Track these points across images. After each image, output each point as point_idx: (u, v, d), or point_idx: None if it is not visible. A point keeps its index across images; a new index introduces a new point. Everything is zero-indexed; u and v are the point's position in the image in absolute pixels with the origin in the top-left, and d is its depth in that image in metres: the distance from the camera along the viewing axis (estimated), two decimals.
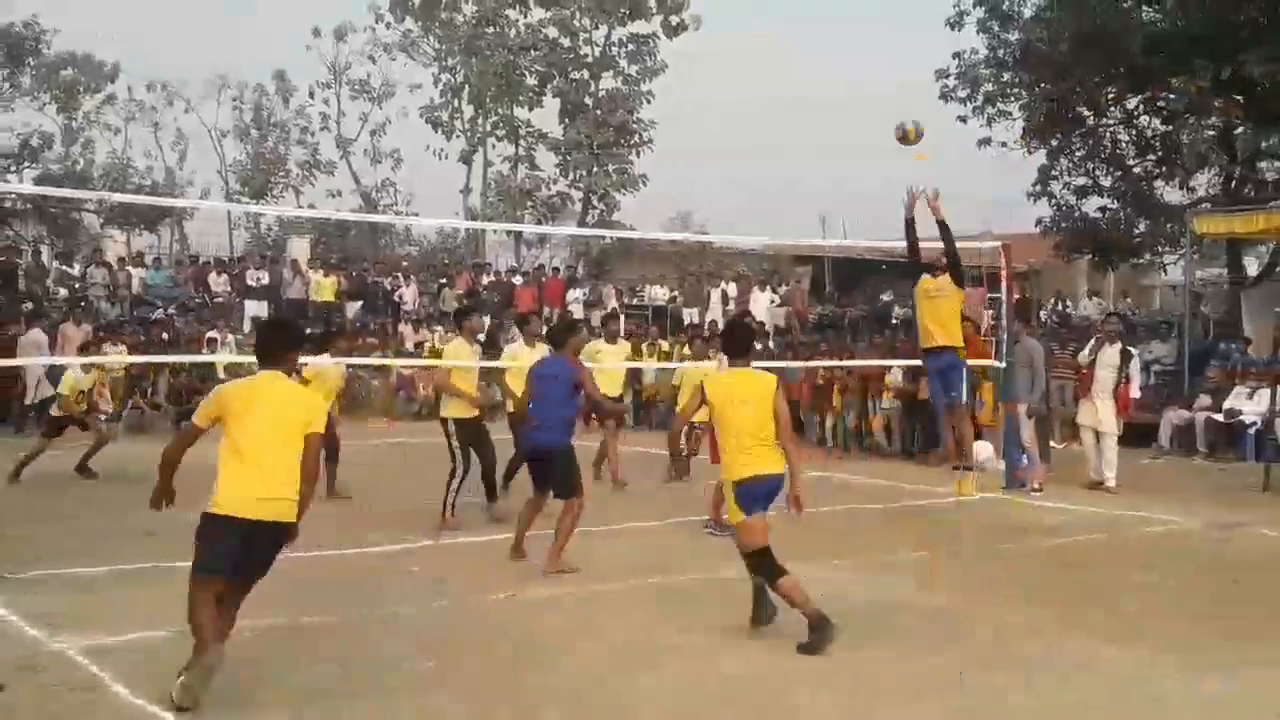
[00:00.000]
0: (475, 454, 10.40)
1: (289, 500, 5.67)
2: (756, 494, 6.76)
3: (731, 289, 27.10)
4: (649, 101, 35.87)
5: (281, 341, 6.15)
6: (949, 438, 11.96)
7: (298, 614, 7.02)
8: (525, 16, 36.12)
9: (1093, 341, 13.86)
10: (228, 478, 5.66)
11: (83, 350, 15.39)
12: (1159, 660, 6.36)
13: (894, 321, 22.90)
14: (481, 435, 10.52)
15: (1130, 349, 13.63)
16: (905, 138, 11.52)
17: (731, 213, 61.27)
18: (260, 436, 5.65)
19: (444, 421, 10.46)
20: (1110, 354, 13.20)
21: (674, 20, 35.20)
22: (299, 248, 28.83)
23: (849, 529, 10.60)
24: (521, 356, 11.11)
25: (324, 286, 25.26)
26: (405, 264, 31.35)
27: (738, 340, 7.34)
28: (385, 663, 6.19)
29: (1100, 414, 13.12)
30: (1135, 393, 13.47)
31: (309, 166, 41.96)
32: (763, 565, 6.77)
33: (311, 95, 41.22)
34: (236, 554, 5.63)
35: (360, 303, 25.78)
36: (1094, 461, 13.26)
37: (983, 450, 15.02)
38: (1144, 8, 20.55)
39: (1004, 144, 22.90)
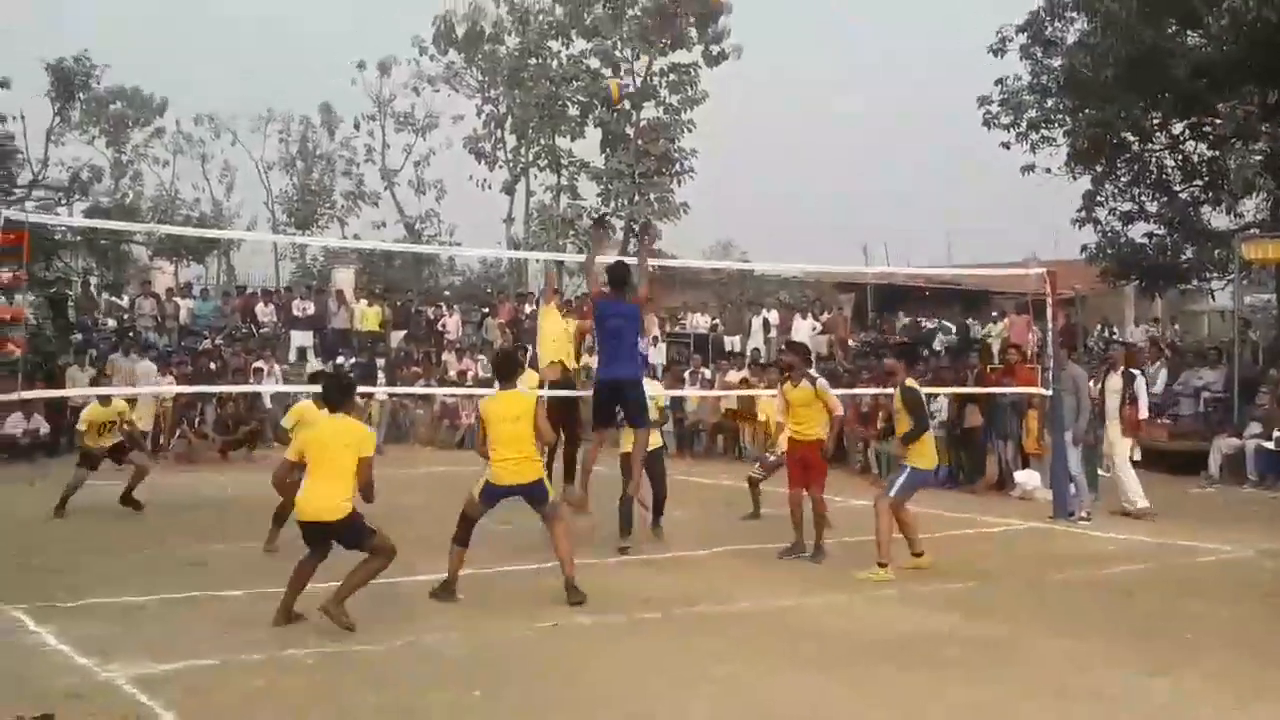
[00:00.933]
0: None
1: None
2: (497, 494, 8.40)
3: (773, 316, 27.05)
4: (690, 130, 35.98)
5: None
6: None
7: (349, 641, 7.05)
8: (567, 48, 36.34)
9: (1101, 371, 13.97)
10: None
11: (94, 384, 15.55)
12: (1208, 690, 6.26)
13: (937, 350, 22.77)
14: None
15: (1133, 371, 13.75)
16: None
17: (773, 240, 61.23)
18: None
19: None
20: (1114, 380, 13.40)
21: (714, 50, 35.30)
22: (344, 278, 29.12)
23: (895, 558, 10.50)
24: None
25: (368, 316, 25.50)
26: (448, 294, 31.55)
27: (504, 367, 8.82)
28: (431, 692, 6.19)
29: (1110, 437, 13.27)
30: (1143, 413, 13.71)
31: (354, 198, 42.40)
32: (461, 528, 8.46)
33: (356, 127, 41.72)
34: None
35: (404, 332, 25.96)
36: (1119, 488, 13.22)
37: (1030, 479, 14.89)
38: (1189, 33, 20.40)
39: (1048, 170, 22.80)
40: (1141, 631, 7.66)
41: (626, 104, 15.87)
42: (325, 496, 7.46)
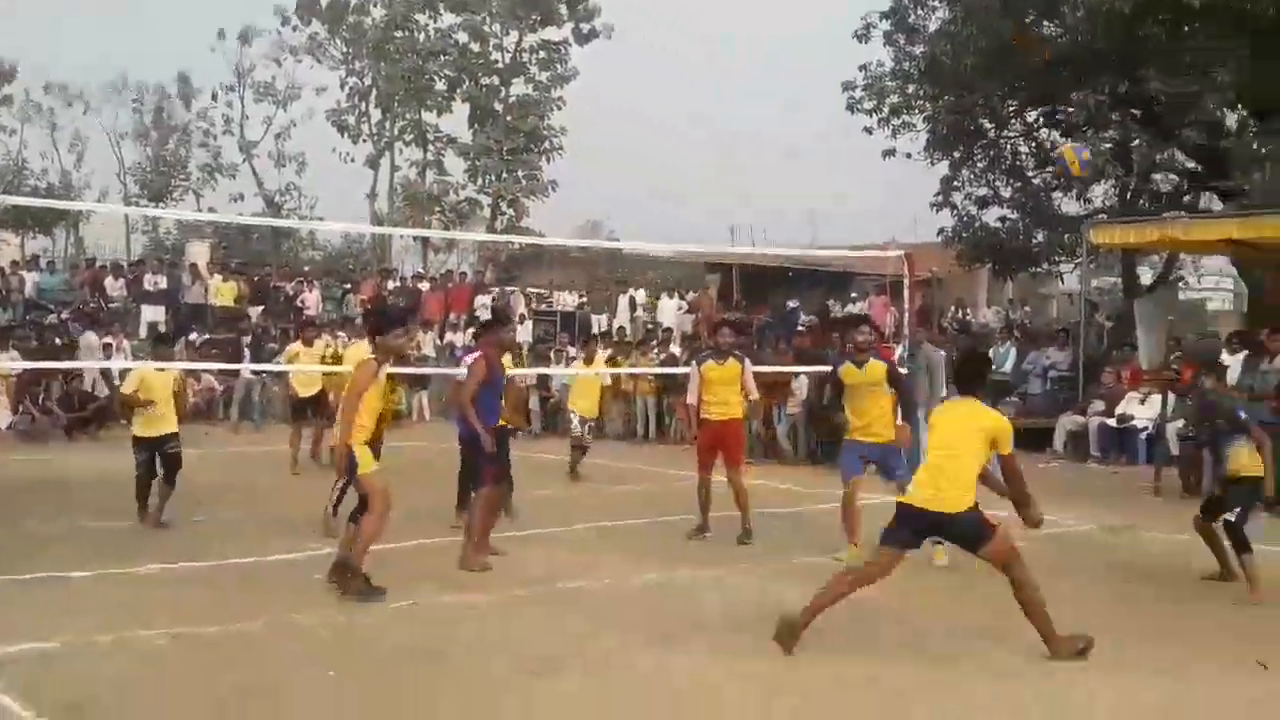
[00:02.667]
0: None
1: None
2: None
3: (640, 295, 27.17)
4: (559, 108, 35.86)
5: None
6: None
7: (196, 624, 6.86)
8: (435, 21, 35.89)
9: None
10: None
11: None
12: (1048, 661, 6.47)
13: (800, 329, 23.13)
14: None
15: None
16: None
17: (641, 220, 61.42)
18: None
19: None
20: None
21: (585, 28, 35.23)
22: (199, 252, 28.33)
23: (759, 534, 10.63)
24: None
25: (224, 291, 24.80)
26: (308, 269, 30.89)
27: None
28: (284, 672, 6.06)
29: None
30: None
31: (210, 170, 41.21)
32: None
33: (214, 98, 40.55)
34: None
35: (261, 308, 25.34)
36: None
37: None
38: (1046, 23, 21.01)
39: (909, 155, 23.28)
40: (998, 606, 7.88)
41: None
42: None
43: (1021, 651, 6.59)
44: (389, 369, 9.98)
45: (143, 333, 22.48)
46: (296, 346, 15.23)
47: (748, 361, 10.67)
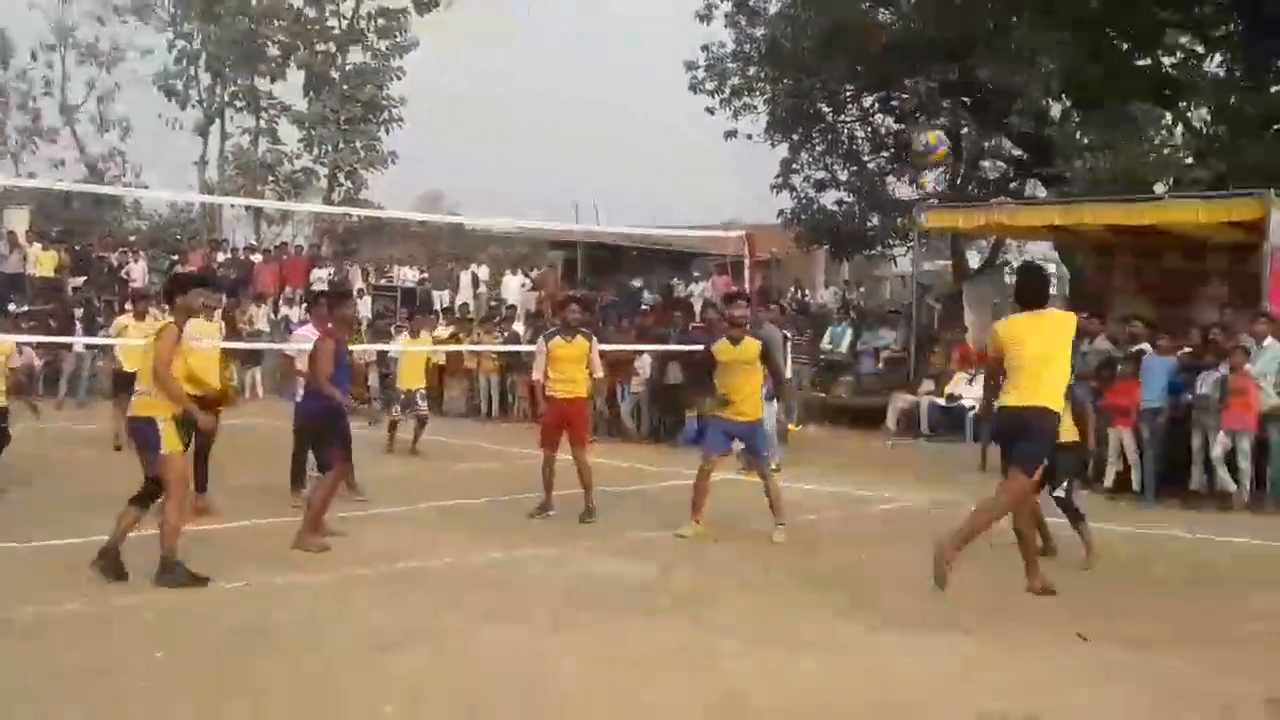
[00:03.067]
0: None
1: None
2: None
3: (483, 271, 26.90)
4: (399, 78, 35.17)
5: None
6: None
7: (13, 606, 6.52)
8: None
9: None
10: None
11: None
12: (884, 632, 6.66)
13: (644, 308, 23.25)
14: None
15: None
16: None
17: (483, 195, 60.83)
18: None
19: None
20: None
21: None
22: (17, 219, 26.87)
23: (598, 511, 10.67)
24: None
25: (43, 261, 23.60)
26: (134, 239, 29.65)
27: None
28: (108, 656, 5.82)
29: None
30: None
31: (29, 134, 39.13)
32: None
33: (34, 58, 38.41)
34: None
35: (84, 279, 24.22)
36: None
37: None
38: (883, 10, 21.51)
39: (749, 136, 23.58)
40: (830, 581, 8.08)
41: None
42: None
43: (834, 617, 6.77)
44: (222, 342, 9.67)
45: None
46: (126, 319, 14.57)
47: (595, 340, 10.66)
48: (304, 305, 24.10)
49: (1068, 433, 8.56)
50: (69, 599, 6.82)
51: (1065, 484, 8.74)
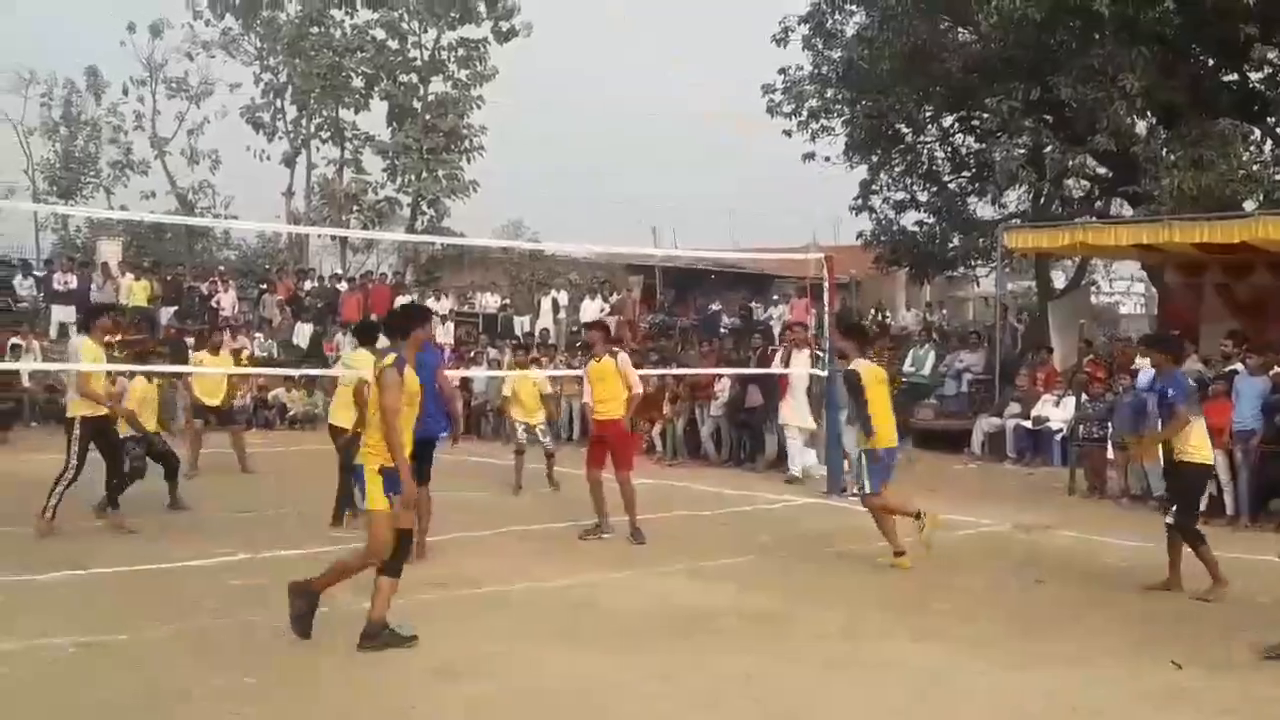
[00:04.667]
0: (104, 456, 10.31)
1: None
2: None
3: (562, 297, 27.08)
4: (479, 107, 35.64)
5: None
6: None
7: (105, 632, 6.69)
8: (351, 17, 35.42)
9: (782, 349, 15.80)
10: None
11: None
12: (964, 658, 6.56)
13: (722, 331, 23.22)
14: (110, 437, 10.40)
15: (819, 353, 14.72)
16: None
17: (563, 221, 61.28)
18: None
19: (70, 421, 10.18)
20: (800, 358, 14.82)
21: (504, 26, 35.05)
22: (110, 250, 27.63)
23: (676, 535, 10.66)
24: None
25: (136, 291, 24.24)
26: (223, 269, 30.35)
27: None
28: (199, 680, 5.93)
29: (794, 411, 14.86)
30: None
31: (121, 166, 40.22)
32: None
33: (125, 92, 39.51)
34: None
35: (175, 308, 24.83)
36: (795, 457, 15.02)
37: (807, 456, 15.36)
38: (961, 29, 21.33)
39: (827, 158, 23.50)
40: (908, 603, 7.98)
41: None
42: None
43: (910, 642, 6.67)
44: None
45: (53, 333, 21.93)
46: (202, 355, 14.92)
47: (622, 355, 10.63)
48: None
49: (1185, 453, 8.37)
50: (160, 623, 6.96)
51: (1174, 510, 8.49)
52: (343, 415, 10.43)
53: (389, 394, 6.51)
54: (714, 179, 69.29)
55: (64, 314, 22.85)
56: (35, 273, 24.85)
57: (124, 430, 10.79)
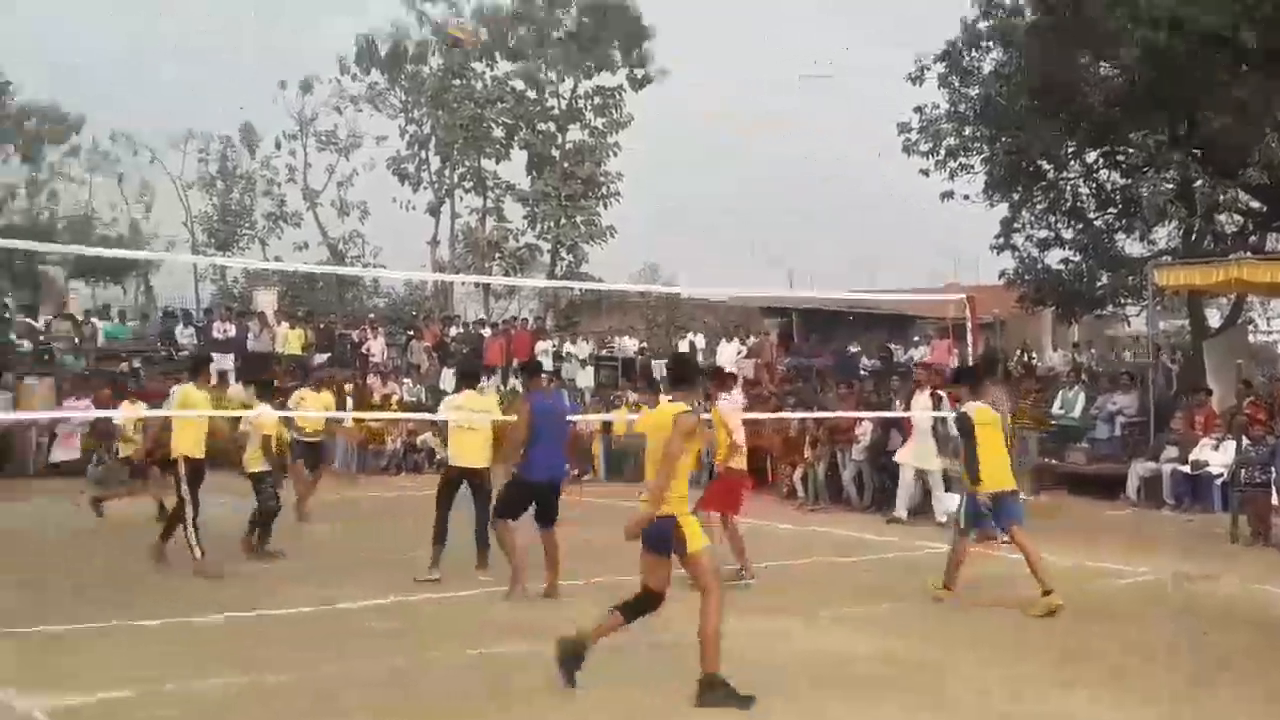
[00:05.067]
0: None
1: None
2: None
3: (699, 340, 27.19)
4: (616, 153, 36.17)
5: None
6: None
7: (262, 672, 6.92)
8: (492, 69, 36.42)
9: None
10: None
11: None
12: (1137, 713, 6.36)
13: (862, 373, 23.03)
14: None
15: (939, 393, 14.64)
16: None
17: (699, 265, 61.57)
18: None
19: (174, 463, 10.67)
20: (922, 399, 14.79)
21: (639, 73, 35.58)
22: (266, 300, 28.73)
23: (818, 581, 10.58)
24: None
25: (291, 339, 25.14)
26: (373, 316, 31.30)
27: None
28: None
29: (916, 454, 14.76)
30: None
31: (275, 218, 41.85)
32: None
33: (278, 146, 41.21)
34: None
35: (328, 355, 25.66)
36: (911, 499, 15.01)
37: (952, 502, 15.07)
38: (1102, 63, 20.92)
39: (966, 197, 23.19)
40: (1066, 654, 7.78)
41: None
42: None
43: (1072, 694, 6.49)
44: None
45: (213, 381, 22.81)
46: (304, 392, 15.33)
47: (721, 405, 10.47)
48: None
49: None
50: (313, 665, 7.19)
51: None
52: (471, 455, 10.50)
53: (695, 441, 6.70)
54: (845, 224, 68.89)
55: (223, 362, 23.81)
56: (195, 323, 25.93)
57: (258, 466, 11.41)
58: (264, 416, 11.76)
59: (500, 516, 9.44)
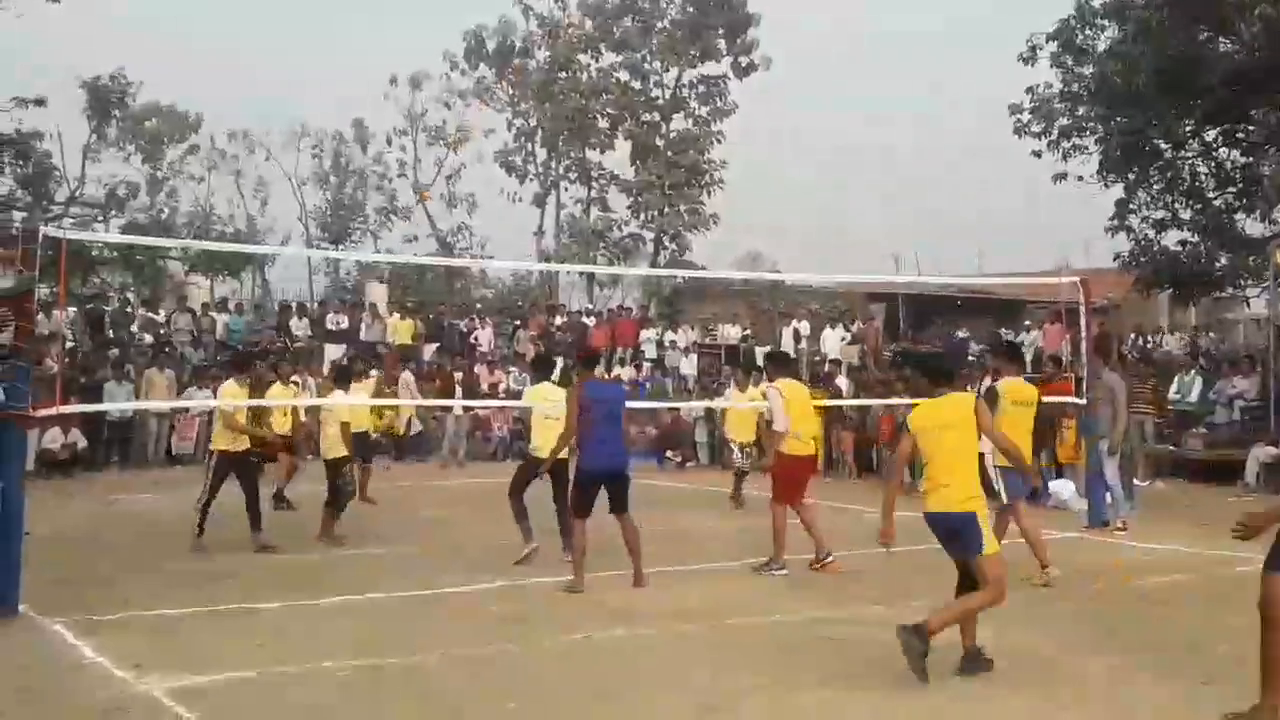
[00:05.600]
0: (242, 488, 11.14)
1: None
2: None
3: (804, 327, 27.01)
4: (720, 141, 36.07)
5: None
6: None
7: (379, 656, 7.10)
8: (597, 61, 36.55)
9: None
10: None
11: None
12: (1252, 705, 6.18)
13: (970, 358, 22.66)
14: (248, 471, 11.31)
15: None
16: None
17: (804, 251, 61.14)
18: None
19: (209, 454, 11.36)
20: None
21: (744, 61, 35.40)
22: (377, 292, 29.32)
23: (930, 568, 10.44)
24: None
25: (401, 330, 25.64)
26: (480, 306, 31.71)
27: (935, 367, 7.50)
28: (465, 704, 6.23)
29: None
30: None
31: (386, 212, 42.63)
32: None
33: (389, 142, 41.97)
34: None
35: (437, 345, 26.10)
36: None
37: (1064, 488, 14.80)
38: (1221, 39, 20.27)
39: (1080, 178, 22.66)
40: (1182, 645, 7.60)
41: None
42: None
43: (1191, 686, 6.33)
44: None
45: (325, 370, 23.37)
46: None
47: (770, 390, 10.53)
48: (632, 364, 25.03)
49: None
50: (429, 650, 7.36)
51: None
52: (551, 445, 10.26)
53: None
54: (958, 201, 67.76)
55: (336, 352, 24.40)
56: (309, 314, 26.57)
57: (335, 453, 11.83)
58: (338, 405, 12.11)
59: (574, 514, 9.41)
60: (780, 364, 11.32)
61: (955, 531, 6.76)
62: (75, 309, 23.18)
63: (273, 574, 9.85)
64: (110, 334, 23.38)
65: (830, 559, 10.26)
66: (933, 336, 26.88)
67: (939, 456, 6.79)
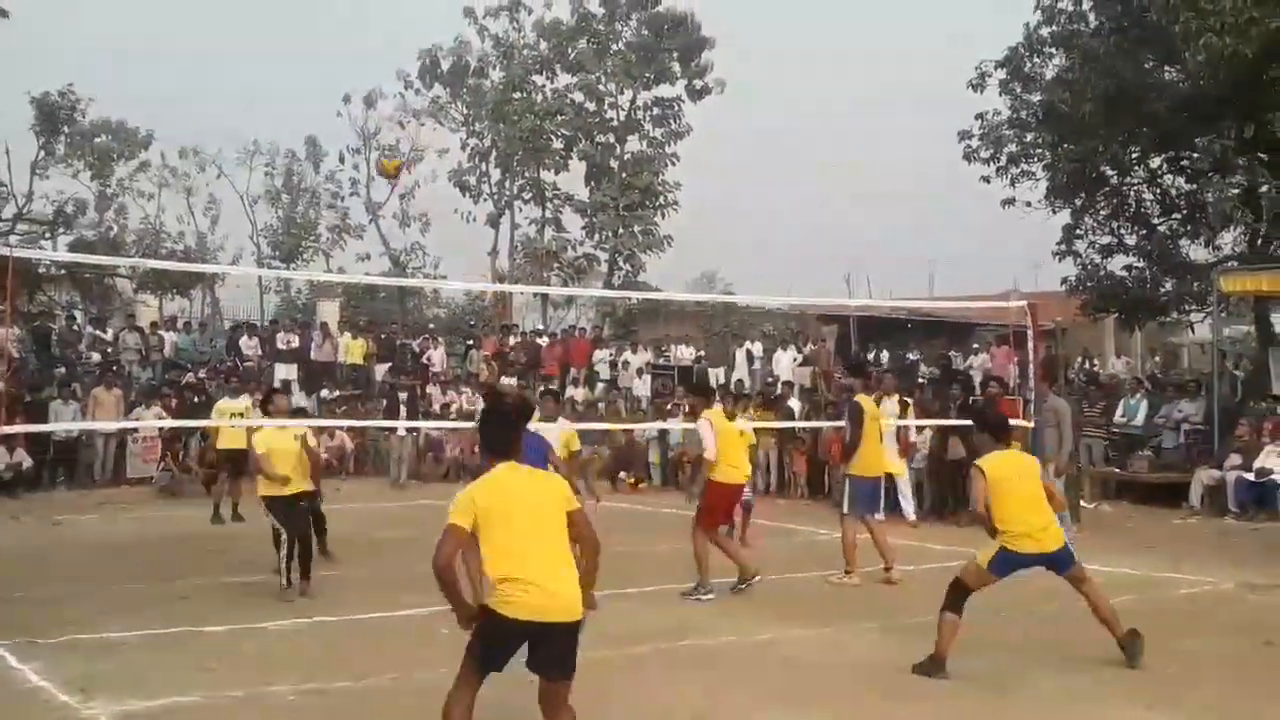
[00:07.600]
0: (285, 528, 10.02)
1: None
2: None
3: (756, 348, 27.16)
4: (674, 164, 36.26)
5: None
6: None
7: (328, 680, 7.04)
8: (552, 82, 36.69)
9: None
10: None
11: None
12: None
13: (920, 380, 22.87)
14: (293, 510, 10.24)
15: (908, 399, 16.24)
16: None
17: (756, 273, 61.45)
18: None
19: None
20: (890, 405, 15.10)
21: (698, 84, 35.66)
22: (329, 311, 29.14)
23: (875, 590, 10.56)
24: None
25: (353, 349, 25.51)
26: (433, 326, 31.58)
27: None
28: None
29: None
30: (913, 437, 16.71)
31: (339, 231, 42.37)
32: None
33: (342, 160, 41.75)
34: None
35: (389, 365, 25.98)
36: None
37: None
38: (1167, 68, 20.65)
39: (1028, 204, 22.97)
40: (1129, 668, 7.70)
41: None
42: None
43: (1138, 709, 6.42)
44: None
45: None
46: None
47: (700, 422, 10.58)
48: (586, 386, 25.01)
49: None
50: (377, 673, 7.30)
51: None
52: None
53: None
54: (907, 226, 68.43)
55: (285, 371, 24.22)
56: (259, 333, 26.36)
57: (300, 488, 10.47)
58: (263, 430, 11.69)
59: None
60: (706, 395, 11.41)
61: (1055, 559, 7.70)
62: (21, 327, 22.84)
63: (222, 597, 9.76)
64: (57, 352, 23.09)
65: (757, 579, 10.34)
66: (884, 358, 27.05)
67: (1027, 502, 7.61)
